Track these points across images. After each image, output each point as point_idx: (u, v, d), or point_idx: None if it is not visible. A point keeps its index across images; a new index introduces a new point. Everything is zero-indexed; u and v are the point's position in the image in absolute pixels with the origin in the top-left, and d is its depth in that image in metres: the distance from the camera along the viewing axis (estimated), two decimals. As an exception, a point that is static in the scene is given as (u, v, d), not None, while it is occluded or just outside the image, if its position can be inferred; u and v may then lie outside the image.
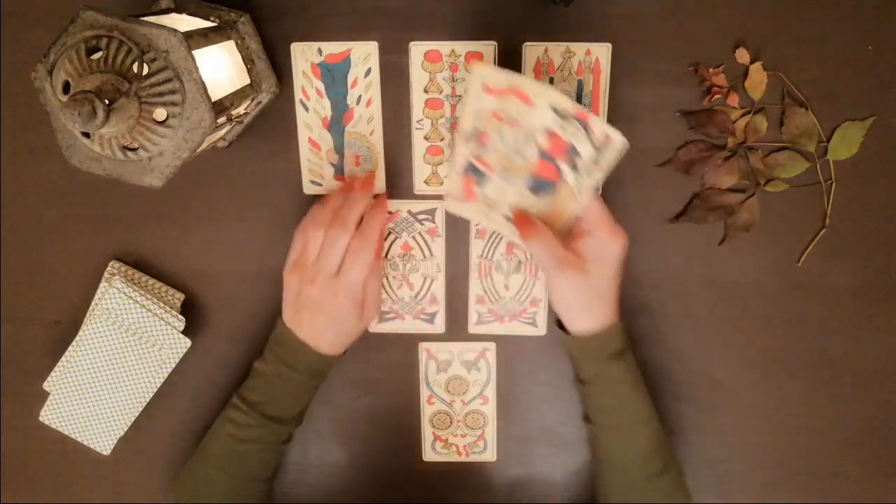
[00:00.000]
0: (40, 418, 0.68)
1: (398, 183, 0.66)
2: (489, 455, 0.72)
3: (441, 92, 0.63)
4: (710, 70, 0.62)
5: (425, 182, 0.66)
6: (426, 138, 0.65)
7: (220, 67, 0.56)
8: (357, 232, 0.59)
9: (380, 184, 0.65)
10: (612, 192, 0.65)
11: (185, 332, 0.66)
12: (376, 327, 0.69)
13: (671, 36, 0.62)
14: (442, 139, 0.64)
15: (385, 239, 0.66)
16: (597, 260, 0.57)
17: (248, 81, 0.59)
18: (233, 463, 0.61)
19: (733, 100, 0.63)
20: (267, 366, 0.61)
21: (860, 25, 0.62)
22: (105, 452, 0.69)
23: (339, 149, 0.65)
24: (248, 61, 0.60)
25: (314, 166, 0.66)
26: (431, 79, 0.63)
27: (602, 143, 0.52)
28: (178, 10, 0.58)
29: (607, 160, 0.53)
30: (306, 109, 0.65)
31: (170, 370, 0.67)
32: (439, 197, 0.66)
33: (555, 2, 0.60)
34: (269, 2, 0.62)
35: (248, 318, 0.69)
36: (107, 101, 0.44)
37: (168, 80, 0.47)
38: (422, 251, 0.67)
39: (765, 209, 0.65)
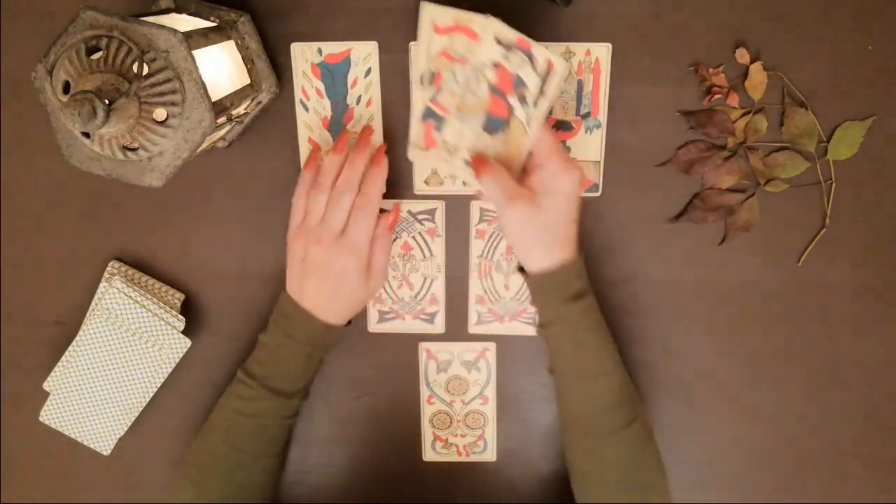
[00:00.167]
0: (40, 418, 0.68)
1: (398, 183, 0.66)
2: (489, 455, 0.72)
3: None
4: (710, 70, 0.62)
5: (425, 182, 0.66)
6: (426, 138, 0.65)
7: (220, 67, 0.56)
8: (360, 191, 0.59)
9: (377, 137, 0.65)
10: (612, 192, 0.66)
11: (185, 332, 0.66)
12: (376, 327, 0.69)
13: (671, 36, 0.62)
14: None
15: (398, 211, 0.65)
16: (549, 193, 0.56)
17: (248, 81, 0.59)
18: (238, 437, 0.61)
19: (733, 100, 0.63)
20: (270, 338, 0.61)
21: (860, 25, 0.62)
22: (105, 452, 0.69)
23: None
24: (248, 61, 0.60)
25: (314, 166, 0.66)
26: (431, 79, 0.63)
27: (545, 71, 0.53)
28: (178, 10, 0.58)
29: (552, 87, 0.54)
30: (306, 109, 0.65)
31: (170, 370, 0.67)
32: (439, 197, 0.66)
33: (555, 2, 0.60)
34: (269, 2, 0.62)
35: (248, 318, 0.69)
36: (107, 101, 0.44)
37: (168, 80, 0.47)
38: (422, 251, 0.67)
39: (765, 209, 0.65)
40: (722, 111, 0.63)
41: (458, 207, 0.66)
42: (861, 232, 0.65)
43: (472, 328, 0.69)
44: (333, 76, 0.64)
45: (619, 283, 0.67)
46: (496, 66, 0.55)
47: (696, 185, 0.65)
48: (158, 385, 0.68)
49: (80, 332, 0.66)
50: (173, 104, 0.48)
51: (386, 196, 0.65)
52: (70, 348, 0.66)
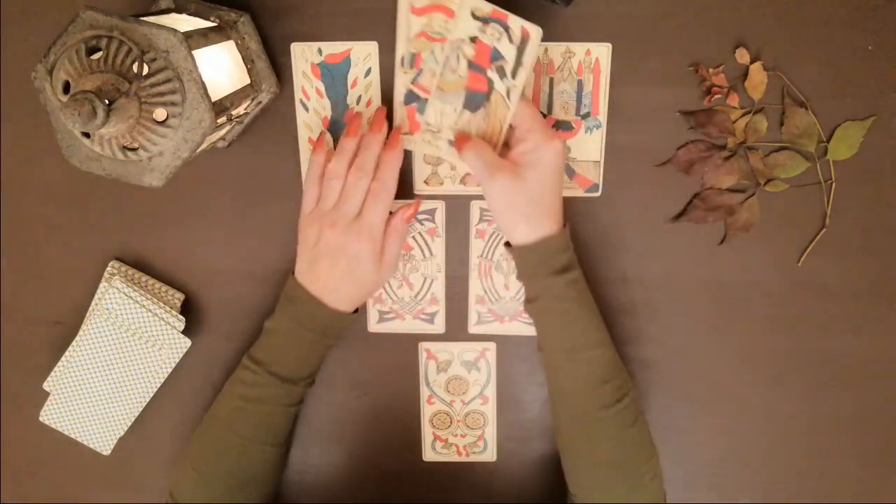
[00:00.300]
0: (40, 418, 0.68)
1: (398, 183, 0.66)
2: (489, 455, 0.72)
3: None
4: (710, 70, 0.62)
5: (425, 182, 0.66)
6: (426, 138, 0.65)
7: (220, 67, 0.56)
8: (375, 175, 0.59)
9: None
10: (612, 191, 0.66)
11: (185, 332, 0.66)
12: (376, 327, 0.69)
13: (671, 36, 0.62)
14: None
15: (419, 203, 0.65)
16: (531, 164, 0.56)
17: (248, 81, 0.59)
18: (242, 423, 0.61)
19: (733, 100, 0.63)
20: (277, 323, 0.61)
21: (860, 25, 0.62)
22: (105, 452, 0.69)
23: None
24: (248, 61, 0.60)
25: (314, 166, 0.66)
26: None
27: (521, 39, 0.55)
28: (178, 10, 0.58)
29: (529, 56, 0.55)
30: (306, 109, 0.65)
31: (170, 370, 0.67)
32: (439, 197, 0.66)
33: (555, 2, 0.60)
34: (269, 2, 0.62)
35: (248, 318, 0.69)
36: (107, 101, 0.44)
37: (168, 80, 0.47)
38: (422, 251, 0.67)
39: (765, 209, 0.65)
40: (722, 111, 0.63)
41: (458, 207, 0.66)
42: (861, 232, 0.65)
43: (472, 328, 0.69)
44: (333, 76, 0.64)
45: (619, 283, 0.67)
46: (474, 40, 0.56)
47: (696, 185, 0.65)
48: (158, 385, 0.68)
49: (80, 332, 0.66)
50: (173, 104, 0.48)
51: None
52: (70, 348, 0.66)
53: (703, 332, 0.68)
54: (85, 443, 0.69)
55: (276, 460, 0.64)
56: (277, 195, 0.66)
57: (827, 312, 0.67)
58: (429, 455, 0.72)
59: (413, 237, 0.67)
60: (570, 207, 0.65)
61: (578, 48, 0.62)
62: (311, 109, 0.64)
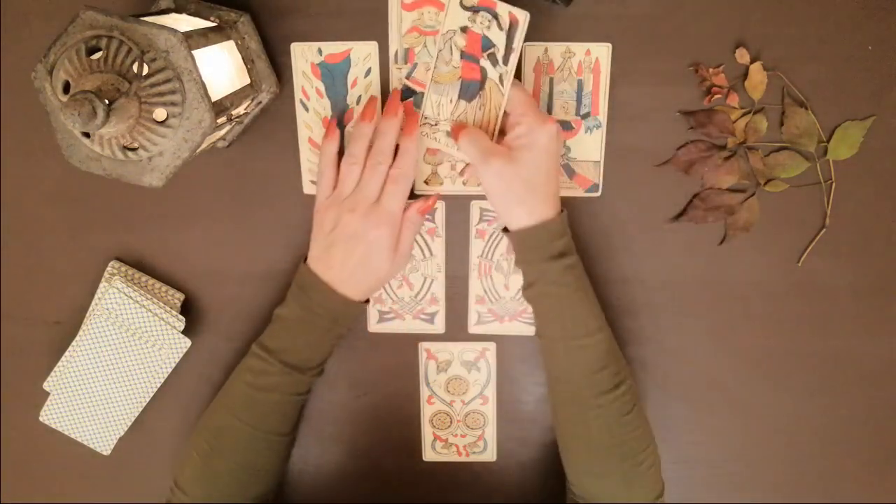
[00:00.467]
0: (40, 418, 0.68)
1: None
2: (489, 455, 0.72)
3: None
4: (710, 70, 0.62)
5: (425, 182, 0.66)
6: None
7: (220, 67, 0.56)
8: (394, 162, 0.59)
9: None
10: (612, 192, 0.66)
11: (185, 332, 0.66)
12: (376, 327, 0.69)
13: (671, 36, 0.62)
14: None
15: (436, 200, 0.65)
16: (525, 147, 0.56)
17: (248, 81, 0.59)
18: (249, 412, 0.61)
19: (733, 100, 0.63)
20: (288, 311, 0.61)
21: (860, 25, 0.62)
22: (105, 452, 0.69)
23: (339, 149, 0.65)
24: (248, 61, 0.60)
25: (314, 166, 0.66)
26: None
27: (510, 25, 0.56)
28: (178, 10, 0.58)
29: (518, 40, 0.57)
30: (306, 109, 0.65)
31: (170, 370, 0.67)
32: (440, 197, 0.66)
33: (555, 2, 0.60)
34: (269, 2, 0.62)
35: (248, 318, 0.69)
36: (107, 101, 0.44)
37: (168, 80, 0.47)
38: (422, 251, 0.67)
39: (765, 209, 0.65)
40: (722, 111, 0.63)
41: (458, 207, 0.66)
42: (861, 232, 0.65)
43: (472, 328, 0.69)
44: (333, 76, 0.64)
45: (619, 283, 0.67)
46: (465, 31, 0.57)
47: (696, 185, 0.65)
48: (158, 385, 0.68)
49: (80, 332, 0.66)
50: (173, 104, 0.48)
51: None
52: (70, 348, 0.66)
53: (703, 332, 0.68)
54: (85, 443, 0.69)
55: (281, 450, 0.64)
56: (277, 195, 0.66)
57: (827, 312, 0.67)
58: (429, 455, 0.72)
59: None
60: (571, 207, 0.65)
61: (578, 48, 0.62)
62: (311, 109, 0.64)
